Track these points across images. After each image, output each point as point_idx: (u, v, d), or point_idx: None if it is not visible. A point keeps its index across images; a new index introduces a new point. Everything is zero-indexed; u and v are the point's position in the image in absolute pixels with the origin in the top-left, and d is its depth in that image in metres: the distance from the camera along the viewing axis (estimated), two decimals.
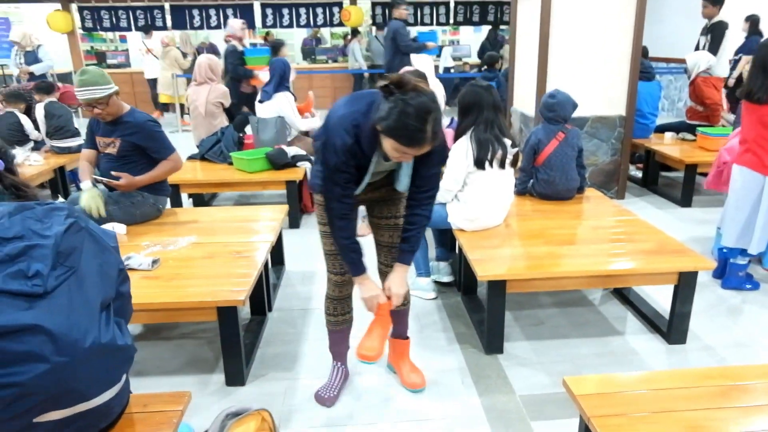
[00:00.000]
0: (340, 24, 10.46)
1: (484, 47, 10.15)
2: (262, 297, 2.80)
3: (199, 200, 4.59)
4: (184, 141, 6.76)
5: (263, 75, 5.43)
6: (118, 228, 2.68)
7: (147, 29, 9.98)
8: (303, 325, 2.79)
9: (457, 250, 3.13)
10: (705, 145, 4.61)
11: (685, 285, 2.48)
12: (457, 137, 2.75)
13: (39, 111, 4.72)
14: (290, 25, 10.49)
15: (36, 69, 6.97)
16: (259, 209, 3.20)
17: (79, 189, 2.93)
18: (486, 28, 10.88)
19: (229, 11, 10.12)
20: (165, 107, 9.51)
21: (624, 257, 2.49)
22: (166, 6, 10.20)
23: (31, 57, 7.05)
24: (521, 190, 3.28)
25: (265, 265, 2.77)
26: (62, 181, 4.76)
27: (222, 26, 10.29)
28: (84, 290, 1.17)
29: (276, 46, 5.65)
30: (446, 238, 3.28)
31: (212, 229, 2.85)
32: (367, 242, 2.11)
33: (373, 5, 10.33)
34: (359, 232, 2.14)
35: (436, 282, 3.17)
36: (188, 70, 8.63)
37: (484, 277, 2.35)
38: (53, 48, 10.76)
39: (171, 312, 2.19)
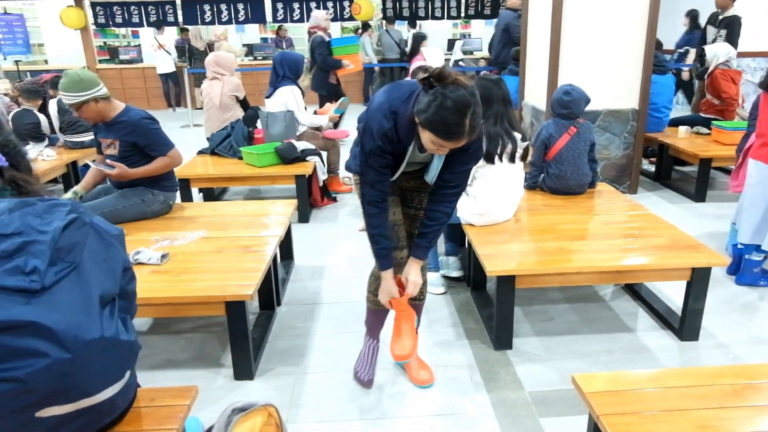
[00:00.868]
0: (351, 18, 10.43)
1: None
2: (270, 291, 2.81)
3: (209, 195, 4.61)
4: (195, 137, 6.79)
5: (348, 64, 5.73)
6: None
7: (159, 25, 10.03)
8: (312, 319, 2.79)
9: (466, 245, 3.11)
10: (720, 139, 4.53)
11: (698, 281, 2.44)
12: None
13: (52, 106, 4.75)
14: (301, 20, 10.48)
15: None
16: (269, 204, 3.20)
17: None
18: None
19: (240, 6, 10.14)
20: None
21: (636, 253, 2.45)
22: (178, 1, 10.23)
23: None
24: (531, 185, 3.25)
25: (274, 260, 2.77)
26: (75, 176, 4.80)
27: (233, 21, 10.32)
28: (86, 286, 1.17)
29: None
30: (456, 233, 3.25)
31: (221, 223, 2.85)
32: None
33: None
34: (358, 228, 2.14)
35: (445, 277, 3.15)
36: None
37: (493, 272, 2.33)
38: (66, 44, 10.90)
39: (180, 306, 2.20)
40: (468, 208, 2.72)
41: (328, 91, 6.08)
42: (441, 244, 3.28)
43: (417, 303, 2.22)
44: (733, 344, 2.52)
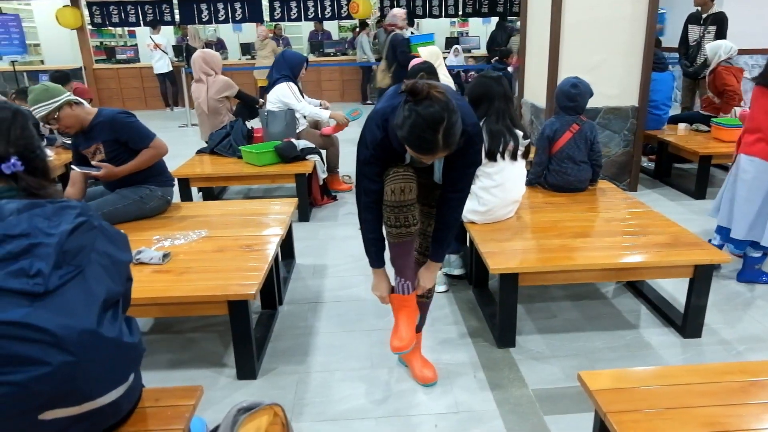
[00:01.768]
0: (349, 16, 10.40)
1: (494, 37, 10.06)
2: (272, 290, 2.80)
3: (209, 194, 4.59)
4: (193, 136, 6.76)
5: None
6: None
7: (155, 24, 9.99)
8: (314, 318, 2.78)
9: (468, 243, 3.10)
10: (719, 136, 4.53)
11: (701, 278, 2.44)
12: None
13: None
14: (298, 18, 10.45)
15: None
16: (269, 203, 3.19)
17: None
18: (494, 20, 10.77)
19: (237, 5, 10.10)
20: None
21: (638, 250, 2.45)
22: (175, 0, 10.19)
23: None
24: (532, 181, 3.24)
25: (276, 259, 2.76)
26: None
27: (230, 20, 10.28)
28: (91, 289, 1.16)
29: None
30: (458, 231, 3.24)
31: (222, 222, 2.84)
32: None
33: None
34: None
35: (447, 275, 3.15)
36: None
37: (495, 270, 2.33)
38: (63, 44, 10.85)
39: (182, 306, 2.19)
40: (470, 206, 2.71)
41: None
42: None
43: (424, 300, 2.22)
44: (736, 341, 2.52)
